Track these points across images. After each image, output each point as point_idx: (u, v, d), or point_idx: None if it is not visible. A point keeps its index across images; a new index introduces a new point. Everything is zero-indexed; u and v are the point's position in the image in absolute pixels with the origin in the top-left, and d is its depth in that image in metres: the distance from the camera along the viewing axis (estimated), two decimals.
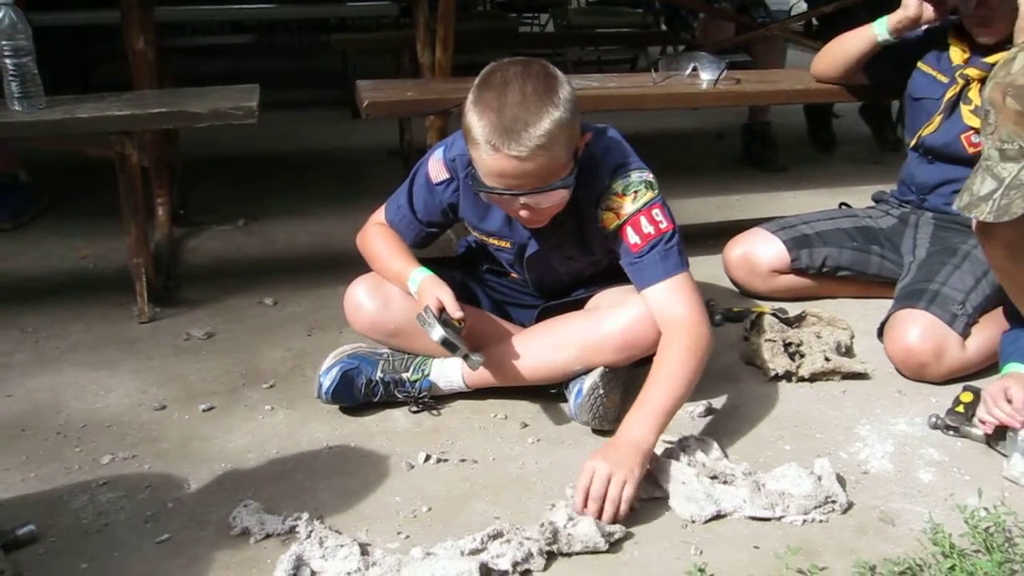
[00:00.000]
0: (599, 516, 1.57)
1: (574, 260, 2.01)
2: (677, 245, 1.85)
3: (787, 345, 2.17)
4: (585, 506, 1.58)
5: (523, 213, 1.78)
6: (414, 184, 2.02)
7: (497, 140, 1.65)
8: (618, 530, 1.56)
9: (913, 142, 2.49)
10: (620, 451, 1.64)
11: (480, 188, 1.77)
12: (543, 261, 2.00)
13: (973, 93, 2.33)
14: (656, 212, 1.84)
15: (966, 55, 2.38)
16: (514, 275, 2.12)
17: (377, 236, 2.04)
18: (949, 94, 2.37)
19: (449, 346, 1.79)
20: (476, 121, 1.68)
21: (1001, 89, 1.54)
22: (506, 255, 2.04)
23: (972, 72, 2.33)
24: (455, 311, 1.83)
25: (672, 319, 1.81)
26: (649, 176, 1.87)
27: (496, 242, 2.01)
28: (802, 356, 2.16)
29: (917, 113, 2.48)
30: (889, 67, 2.60)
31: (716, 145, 4.61)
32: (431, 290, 1.87)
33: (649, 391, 1.73)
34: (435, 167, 1.97)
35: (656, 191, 1.86)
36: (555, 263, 2.01)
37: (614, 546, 1.55)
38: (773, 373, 2.12)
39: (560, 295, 2.10)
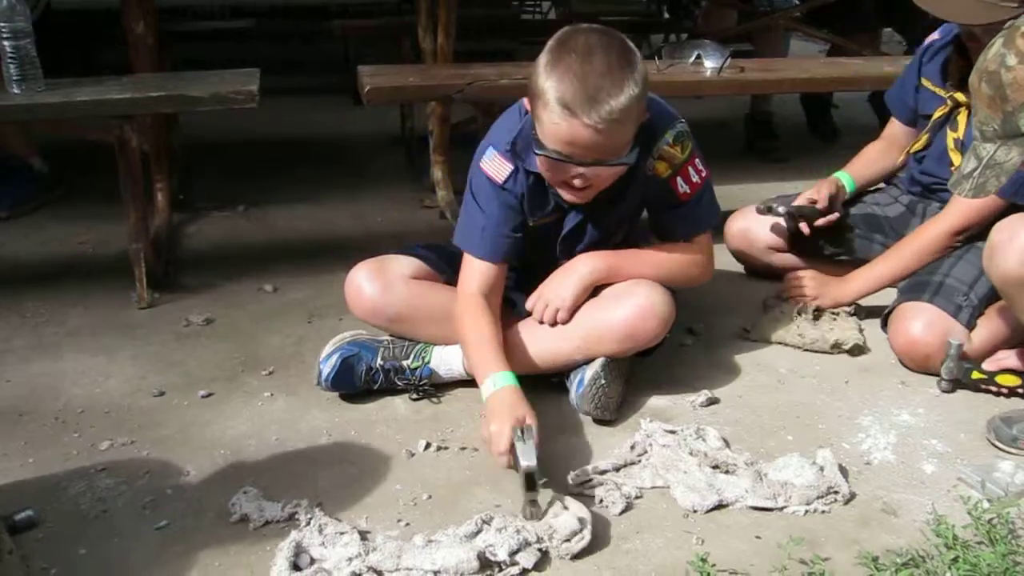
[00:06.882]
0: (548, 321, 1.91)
1: (609, 233, 2.00)
2: (712, 191, 2.00)
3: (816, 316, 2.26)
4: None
5: (576, 182, 1.74)
6: (480, 202, 1.91)
7: (575, 105, 1.61)
8: (587, 515, 1.54)
9: (902, 158, 2.45)
10: (558, 281, 1.91)
11: (541, 150, 1.71)
12: (576, 238, 1.97)
13: (961, 117, 2.24)
14: (698, 161, 1.94)
15: (961, 73, 2.23)
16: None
17: (466, 316, 1.87)
18: (938, 113, 2.30)
19: (530, 482, 1.55)
20: (554, 83, 1.63)
21: (977, 74, 1.61)
22: (544, 229, 1.96)
23: (960, 97, 2.24)
24: (537, 435, 1.63)
25: (703, 254, 2.03)
26: (687, 128, 1.94)
27: (544, 220, 1.96)
28: (834, 319, 2.25)
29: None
30: (909, 102, 2.46)
31: (718, 135, 4.59)
32: (518, 405, 1.68)
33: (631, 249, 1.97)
34: (493, 167, 1.88)
35: (693, 140, 1.94)
36: (592, 235, 1.98)
37: (613, 530, 1.55)
38: (804, 344, 2.22)
39: None
